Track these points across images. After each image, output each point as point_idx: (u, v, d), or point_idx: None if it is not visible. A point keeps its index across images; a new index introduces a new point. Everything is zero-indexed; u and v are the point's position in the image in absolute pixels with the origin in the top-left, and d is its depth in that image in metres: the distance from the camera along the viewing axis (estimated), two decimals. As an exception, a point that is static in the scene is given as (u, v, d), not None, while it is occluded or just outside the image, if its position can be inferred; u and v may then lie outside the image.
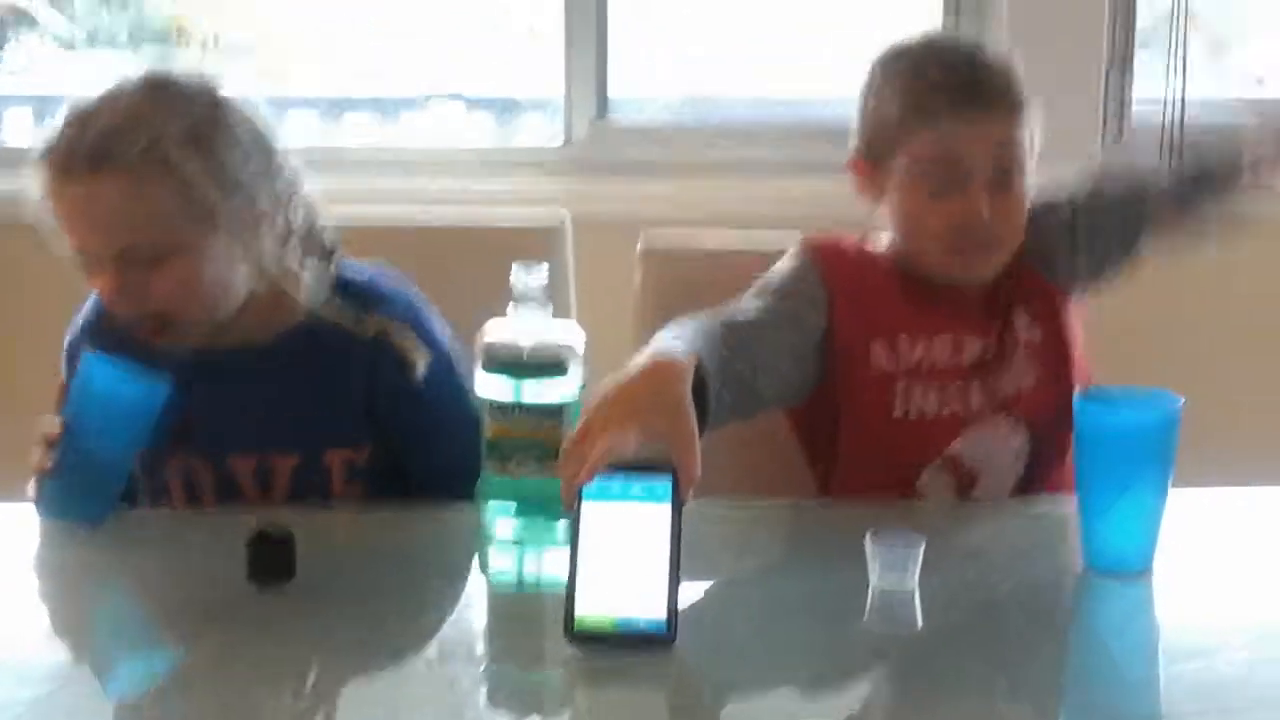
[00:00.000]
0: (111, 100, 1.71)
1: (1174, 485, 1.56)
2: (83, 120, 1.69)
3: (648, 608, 1.37)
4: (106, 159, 1.67)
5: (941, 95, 1.81)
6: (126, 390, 1.66)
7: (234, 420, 1.81)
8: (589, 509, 1.41)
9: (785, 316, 1.83)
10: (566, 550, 1.45)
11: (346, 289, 1.85)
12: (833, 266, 1.89)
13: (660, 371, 1.54)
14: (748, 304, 1.83)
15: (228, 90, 1.78)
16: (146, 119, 1.69)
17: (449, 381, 1.85)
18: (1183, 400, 1.56)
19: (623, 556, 1.40)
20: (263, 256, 1.76)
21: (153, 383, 1.67)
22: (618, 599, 1.38)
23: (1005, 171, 1.82)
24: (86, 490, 1.67)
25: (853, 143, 1.91)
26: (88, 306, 1.88)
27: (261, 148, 1.78)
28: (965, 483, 1.87)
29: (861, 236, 1.95)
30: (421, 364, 1.82)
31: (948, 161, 1.81)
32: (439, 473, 1.81)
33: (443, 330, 1.89)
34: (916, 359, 1.86)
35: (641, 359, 1.58)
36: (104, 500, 1.68)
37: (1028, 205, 1.86)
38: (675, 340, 1.63)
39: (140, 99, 1.71)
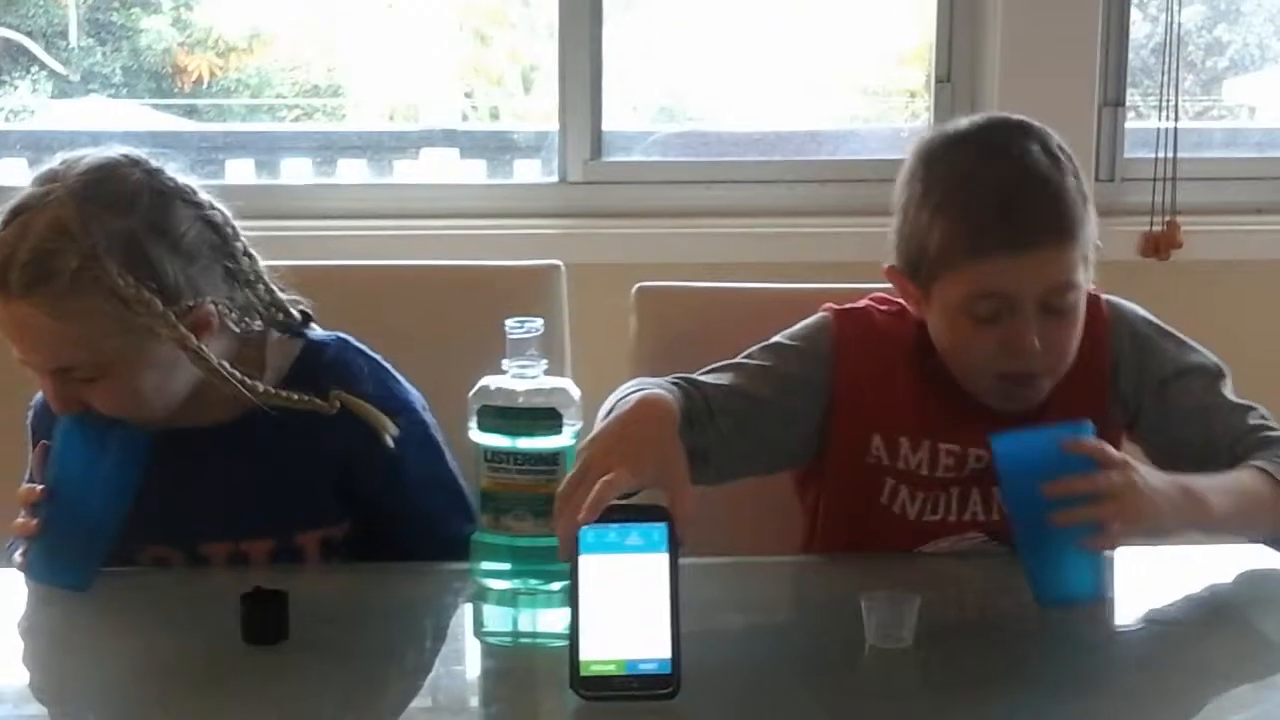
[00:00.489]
0: (46, 207, 1.63)
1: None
2: (17, 231, 1.62)
3: (651, 650, 1.39)
4: (38, 283, 1.60)
5: (989, 233, 1.66)
6: (108, 448, 1.64)
7: (204, 506, 1.76)
8: (587, 562, 1.42)
9: (768, 402, 1.75)
10: (562, 610, 1.45)
11: (310, 363, 1.80)
12: (849, 349, 1.79)
13: (649, 412, 1.55)
14: (738, 373, 1.77)
15: (170, 178, 1.71)
16: (80, 234, 1.61)
17: (423, 449, 1.81)
18: (1094, 427, 1.54)
19: (623, 604, 1.41)
20: (211, 351, 1.69)
21: (133, 438, 1.65)
22: (621, 643, 1.39)
23: (1059, 304, 1.69)
24: (73, 553, 1.64)
25: (891, 246, 1.77)
26: None
27: (209, 238, 1.72)
28: None
29: (896, 308, 1.83)
30: (389, 434, 1.75)
31: (995, 295, 1.68)
32: (421, 538, 1.79)
33: (414, 394, 1.84)
34: (914, 465, 1.77)
35: (630, 399, 1.58)
36: (91, 562, 1.65)
37: (1082, 323, 1.72)
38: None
39: (74, 208, 1.63)
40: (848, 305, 1.85)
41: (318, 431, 1.74)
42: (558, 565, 1.57)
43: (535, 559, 1.58)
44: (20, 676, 1.54)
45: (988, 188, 1.68)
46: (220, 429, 1.76)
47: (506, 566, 1.59)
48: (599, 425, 1.58)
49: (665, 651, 1.38)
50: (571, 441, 1.58)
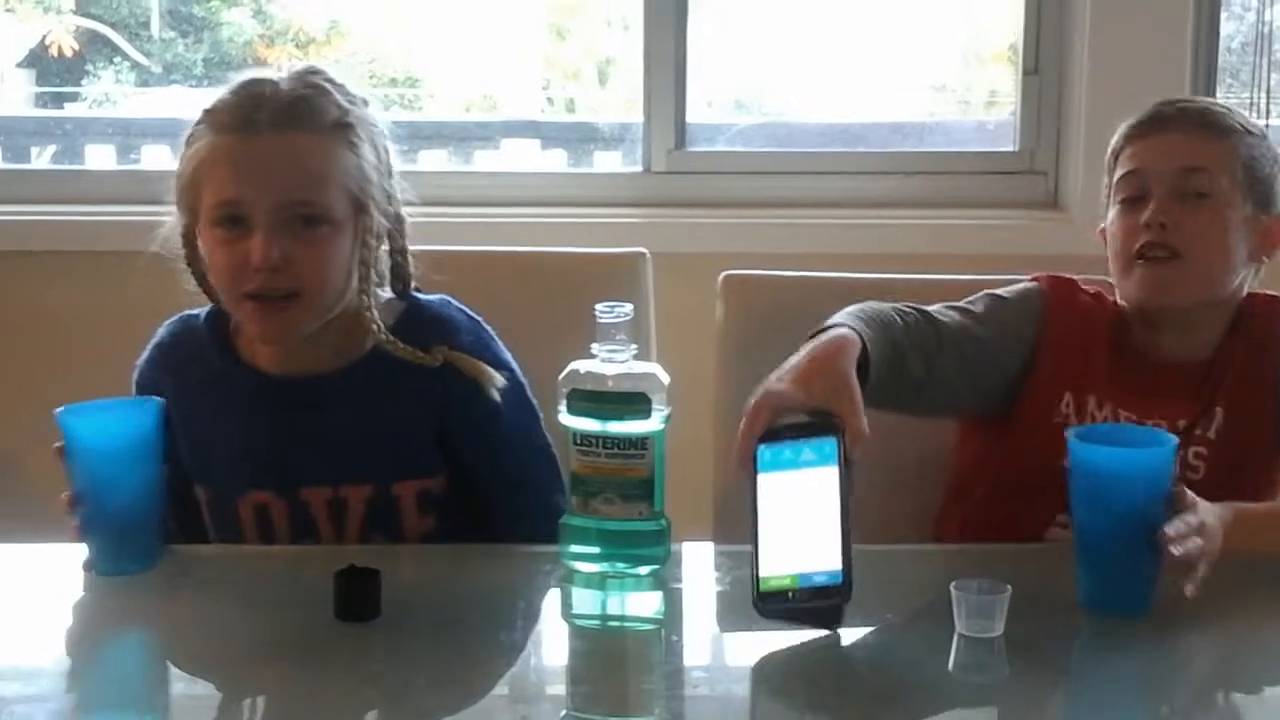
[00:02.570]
0: (289, 76, 1.77)
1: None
2: (273, 85, 1.74)
3: (822, 562, 1.45)
4: (299, 120, 1.73)
5: (1143, 120, 1.91)
6: (112, 432, 1.62)
7: (305, 451, 1.79)
8: (765, 480, 1.47)
9: (989, 346, 1.86)
10: (651, 594, 1.49)
11: (414, 320, 1.84)
12: (1057, 311, 1.92)
13: (824, 347, 1.60)
14: (963, 314, 1.87)
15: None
16: (339, 92, 1.77)
17: (520, 409, 1.84)
18: (1177, 440, 1.54)
19: (797, 519, 1.47)
20: (366, 268, 1.78)
21: (141, 415, 1.64)
22: (795, 558, 1.46)
23: (1192, 189, 1.86)
24: (123, 543, 1.64)
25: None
26: (160, 332, 1.88)
27: (386, 165, 1.83)
28: None
29: (1099, 289, 1.97)
30: (494, 386, 1.79)
31: (1135, 174, 1.89)
32: (515, 498, 1.82)
33: (511, 360, 1.87)
34: (1095, 421, 1.85)
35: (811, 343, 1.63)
36: (145, 546, 1.65)
37: (1224, 230, 1.86)
38: (847, 320, 1.69)
39: (319, 82, 1.77)
40: (1057, 274, 1.95)
41: (418, 384, 1.79)
42: (646, 549, 1.58)
43: (624, 543, 1.58)
44: (111, 652, 1.55)
45: (1159, 104, 1.94)
46: (325, 378, 1.81)
47: (595, 550, 1.59)
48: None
49: (836, 563, 1.44)
50: (661, 426, 1.58)
